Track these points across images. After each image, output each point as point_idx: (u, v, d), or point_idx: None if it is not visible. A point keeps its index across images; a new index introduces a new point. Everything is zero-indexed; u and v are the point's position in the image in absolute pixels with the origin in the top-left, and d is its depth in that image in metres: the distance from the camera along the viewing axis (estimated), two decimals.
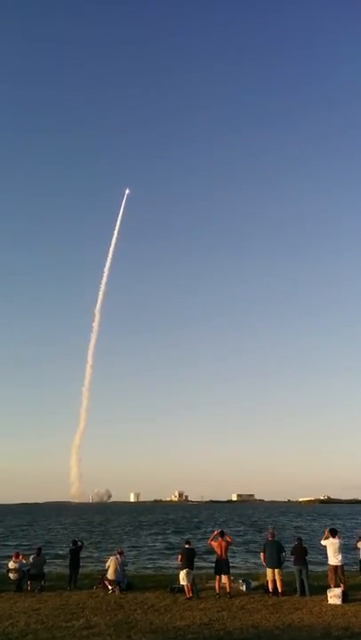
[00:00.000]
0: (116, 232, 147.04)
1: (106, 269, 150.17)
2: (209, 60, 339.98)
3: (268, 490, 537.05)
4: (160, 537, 48.50)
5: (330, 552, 15.76)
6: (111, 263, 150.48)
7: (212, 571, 16.73)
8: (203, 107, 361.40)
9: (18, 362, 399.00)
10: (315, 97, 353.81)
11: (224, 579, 16.03)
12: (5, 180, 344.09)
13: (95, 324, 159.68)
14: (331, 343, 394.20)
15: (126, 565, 18.25)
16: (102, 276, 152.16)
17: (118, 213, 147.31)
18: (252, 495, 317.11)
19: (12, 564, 17.94)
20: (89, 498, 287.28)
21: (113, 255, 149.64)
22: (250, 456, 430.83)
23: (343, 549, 16.28)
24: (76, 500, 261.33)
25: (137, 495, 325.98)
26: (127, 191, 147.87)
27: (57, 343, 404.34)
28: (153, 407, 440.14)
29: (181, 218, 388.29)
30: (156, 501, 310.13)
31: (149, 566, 26.67)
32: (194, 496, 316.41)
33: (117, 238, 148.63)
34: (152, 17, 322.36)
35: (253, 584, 17.04)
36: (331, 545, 15.76)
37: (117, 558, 17.23)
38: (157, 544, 40.90)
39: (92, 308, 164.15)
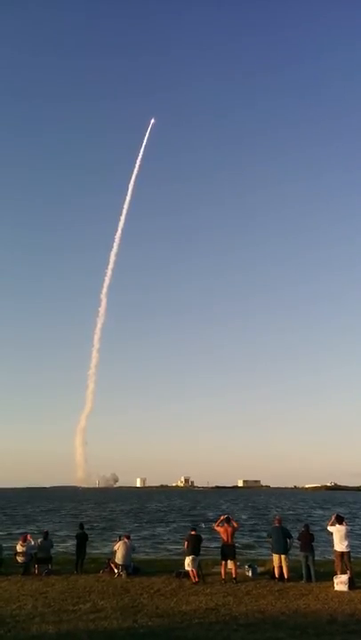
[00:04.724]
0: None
1: (112, 254, 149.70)
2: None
3: (274, 476, 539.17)
4: (164, 523, 48.87)
5: (336, 539, 15.73)
6: (118, 248, 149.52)
7: (218, 556, 16.78)
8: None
9: (21, 346, 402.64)
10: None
11: (230, 564, 16.07)
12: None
13: (101, 309, 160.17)
14: (337, 330, 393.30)
15: (134, 550, 18.33)
16: (108, 261, 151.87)
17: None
18: (258, 481, 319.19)
19: (19, 548, 18.08)
20: (95, 482, 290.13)
21: (120, 240, 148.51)
22: (256, 442, 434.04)
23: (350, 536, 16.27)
24: (83, 485, 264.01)
25: (143, 480, 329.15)
26: (152, 121, 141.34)
27: (63, 328, 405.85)
28: (160, 393, 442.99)
29: (186, 206, 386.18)
30: (162, 487, 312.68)
31: (156, 551, 26.86)
32: (200, 482, 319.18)
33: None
34: None
35: (259, 570, 17.07)
36: (337, 532, 15.72)
37: (125, 542, 17.31)
38: (162, 530, 41.21)
39: (98, 292, 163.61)
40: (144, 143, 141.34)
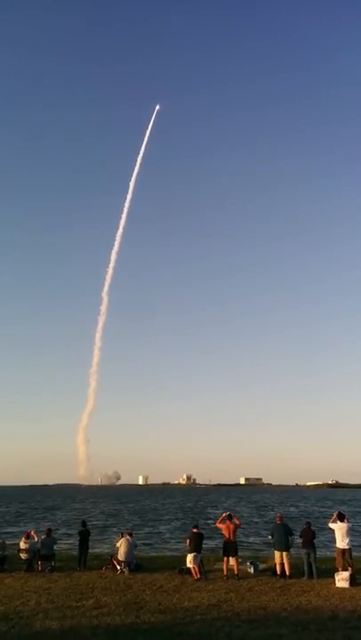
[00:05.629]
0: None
1: (113, 253, 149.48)
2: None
3: (275, 474, 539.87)
4: (166, 520, 48.97)
5: (338, 536, 15.80)
6: (120, 247, 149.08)
7: (220, 552, 16.86)
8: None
9: (24, 345, 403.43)
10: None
11: (232, 561, 16.15)
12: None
13: (103, 307, 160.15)
14: (338, 328, 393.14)
15: (136, 546, 18.42)
16: (110, 259, 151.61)
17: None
18: (259, 479, 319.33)
19: (23, 545, 18.18)
20: (98, 480, 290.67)
21: (121, 238, 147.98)
22: (258, 440, 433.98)
23: (351, 533, 16.33)
24: (85, 483, 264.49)
25: (145, 478, 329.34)
26: (157, 107, 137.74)
27: (65, 326, 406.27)
28: (161, 391, 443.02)
29: (188, 200, 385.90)
30: (164, 484, 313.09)
31: (158, 548, 26.94)
32: (202, 479, 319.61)
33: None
34: None
35: (261, 566, 17.14)
36: (339, 529, 15.79)
37: (128, 539, 17.40)
38: (164, 527, 41.31)
39: (99, 290, 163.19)
40: (148, 130, 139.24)
